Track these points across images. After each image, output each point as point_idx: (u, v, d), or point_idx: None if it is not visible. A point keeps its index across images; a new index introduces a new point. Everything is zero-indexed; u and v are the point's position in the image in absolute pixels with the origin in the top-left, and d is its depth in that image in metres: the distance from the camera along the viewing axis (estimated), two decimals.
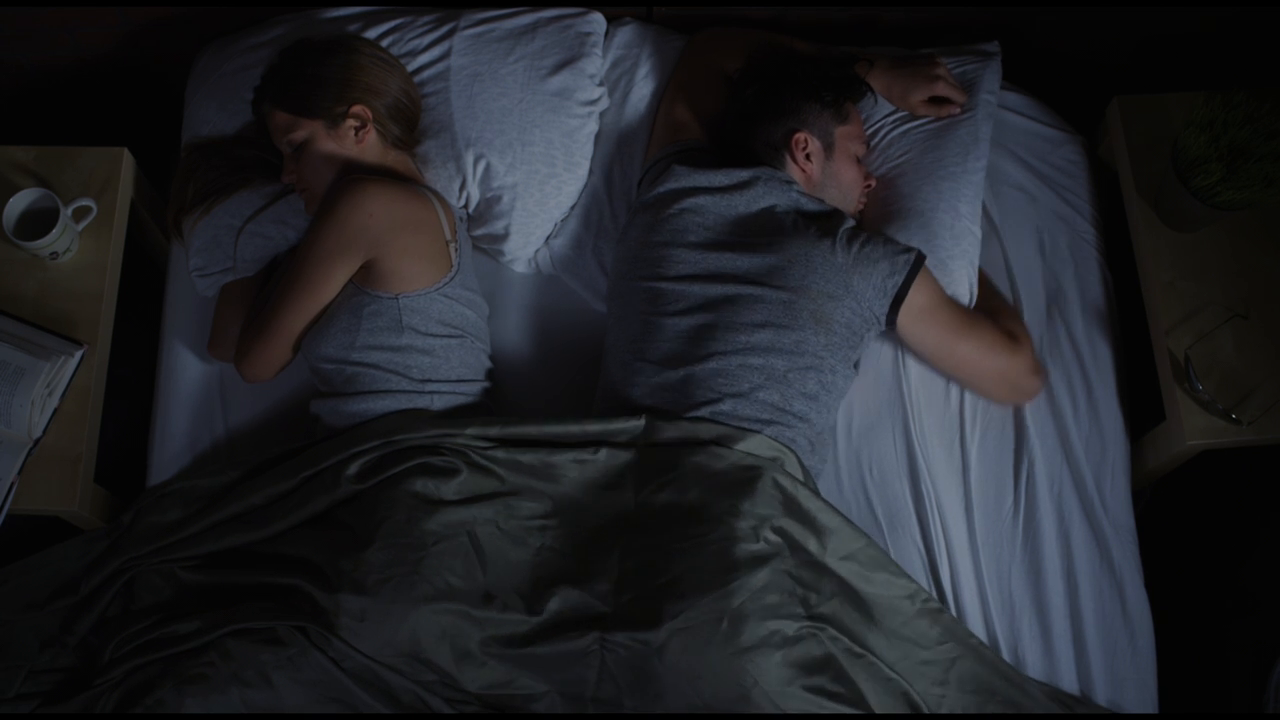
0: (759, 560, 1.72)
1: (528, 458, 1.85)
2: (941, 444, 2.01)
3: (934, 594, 1.91)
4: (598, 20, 2.17)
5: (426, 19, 2.12)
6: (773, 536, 1.76)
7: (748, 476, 1.79)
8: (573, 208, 2.12)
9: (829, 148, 2.00)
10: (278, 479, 1.87)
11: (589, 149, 2.11)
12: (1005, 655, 1.88)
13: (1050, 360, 2.05)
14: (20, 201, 2.02)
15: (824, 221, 1.92)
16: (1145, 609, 1.92)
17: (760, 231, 1.92)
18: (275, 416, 2.05)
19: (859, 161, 2.03)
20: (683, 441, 1.84)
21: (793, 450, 1.85)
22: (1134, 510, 1.99)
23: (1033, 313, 2.09)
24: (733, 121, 2.03)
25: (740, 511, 1.76)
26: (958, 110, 2.08)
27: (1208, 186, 1.91)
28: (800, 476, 1.84)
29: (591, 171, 2.13)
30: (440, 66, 2.07)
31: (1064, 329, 2.08)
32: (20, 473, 1.92)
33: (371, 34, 2.09)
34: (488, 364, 2.01)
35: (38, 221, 2.02)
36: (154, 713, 1.66)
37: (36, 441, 1.94)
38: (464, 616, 1.73)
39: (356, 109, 1.92)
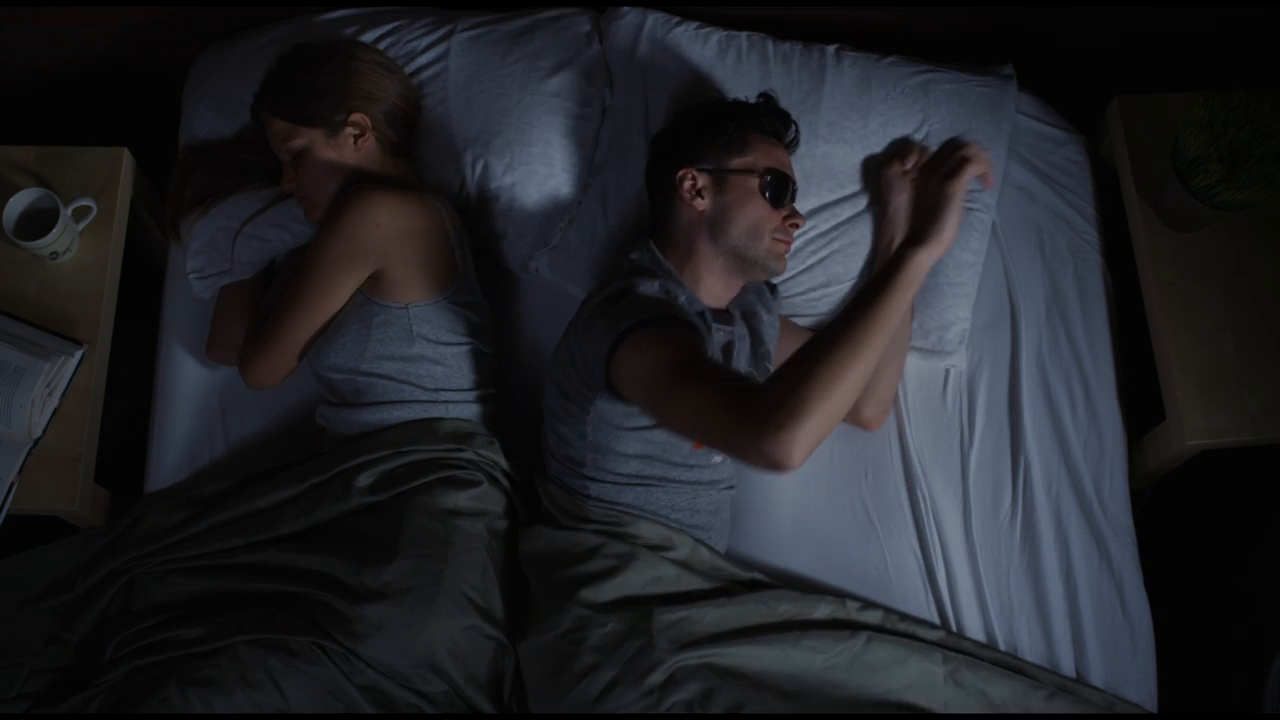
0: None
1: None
2: (938, 447, 2.01)
3: (930, 599, 1.91)
4: (593, 19, 2.14)
5: (424, 21, 2.11)
6: None
7: None
8: (571, 220, 2.07)
9: (720, 180, 1.78)
10: (283, 484, 1.87)
11: (589, 150, 2.08)
12: None
13: (1049, 361, 2.05)
14: (20, 201, 2.02)
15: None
16: (1145, 609, 1.92)
17: None
18: (276, 422, 2.05)
19: (765, 196, 1.78)
20: None
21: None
22: (1133, 510, 1.99)
23: (1032, 312, 2.09)
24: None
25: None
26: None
27: (1208, 186, 1.91)
28: None
29: (589, 178, 2.08)
30: (438, 68, 2.06)
31: (1063, 329, 2.07)
32: (20, 473, 1.92)
33: (369, 36, 2.08)
34: (496, 369, 2.01)
35: (38, 221, 2.02)
36: (158, 712, 1.66)
37: (36, 441, 1.94)
38: (477, 631, 1.76)
39: (355, 117, 1.91)
